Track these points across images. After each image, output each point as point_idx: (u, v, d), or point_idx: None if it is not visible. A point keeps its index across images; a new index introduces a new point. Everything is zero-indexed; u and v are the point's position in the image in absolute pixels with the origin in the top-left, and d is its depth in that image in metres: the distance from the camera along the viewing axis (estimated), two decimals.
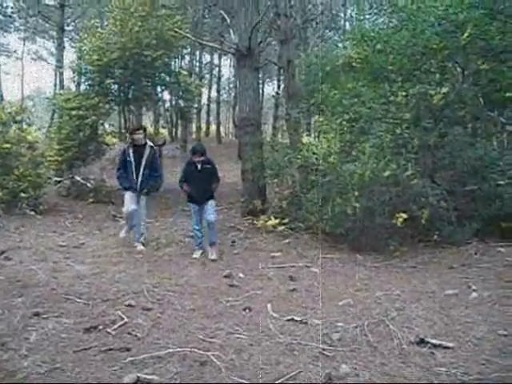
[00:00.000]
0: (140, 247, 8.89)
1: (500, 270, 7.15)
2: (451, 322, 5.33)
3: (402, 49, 9.79)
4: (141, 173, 8.81)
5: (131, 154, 8.80)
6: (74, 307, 5.78)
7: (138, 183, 8.82)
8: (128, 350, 4.61)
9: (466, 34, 8.78)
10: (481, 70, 9.18)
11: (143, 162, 8.81)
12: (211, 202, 8.66)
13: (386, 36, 10.45)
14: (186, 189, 8.64)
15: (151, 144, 9.09)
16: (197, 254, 8.60)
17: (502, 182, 8.79)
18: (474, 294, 6.19)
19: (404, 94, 9.23)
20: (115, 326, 5.16)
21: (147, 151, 8.87)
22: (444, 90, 8.82)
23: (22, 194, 12.23)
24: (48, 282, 6.71)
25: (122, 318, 5.36)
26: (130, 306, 5.86)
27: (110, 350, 4.56)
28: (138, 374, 4.07)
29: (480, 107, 9.37)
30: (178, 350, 4.59)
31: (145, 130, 9.22)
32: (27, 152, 13.31)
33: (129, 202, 8.81)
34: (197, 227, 8.75)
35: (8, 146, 12.73)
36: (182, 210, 13.03)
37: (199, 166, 8.49)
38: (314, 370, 4.24)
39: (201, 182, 8.50)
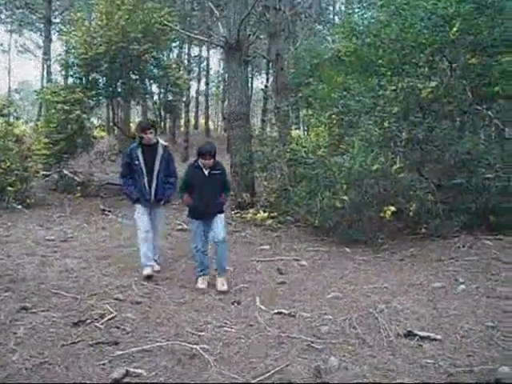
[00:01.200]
0: (156, 267, 7.21)
1: (487, 262, 7.20)
2: (439, 315, 5.36)
3: (391, 43, 9.80)
4: (154, 179, 7.02)
5: (140, 157, 6.95)
6: (62, 301, 5.76)
7: (152, 192, 7.03)
8: (116, 343, 4.60)
9: (454, 29, 8.79)
10: (469, 64, 9.21)
11: (156, 166, 7.02)
12: (220, 217, 6.76)
13: (376, 30, 10.45)
14: (188, 201, 6.75)
15: (164, 142, 7.27)
16: (203, 283, 6.65)
17: (489, 176, 8.84)
18: (462, 287, 6.23)
19: (393, 87, 9.25)
20: (103, 320, 5.15)
21: (160, 151, 7.07)
22: (432, 84, 8.85)
23: (10, 188, 12.14)
24: (36, 276, 6.68)
25: (111, 312, 5.34)
26: (118, 299, 5.85)
27: (99, 343, 4.55)
28: (127, 368, 4.07)
29: (468, 101, 9.41)
30: (167, 343, 4.59)
31: (155, 127, 7.36)
32: (14, 145, 13.22)
33: (144, 222, 7.02)
34: (202, 248, 6.75)
35: None
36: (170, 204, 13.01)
37: (207, 172, 6.61)
38: (303, 363, 4.26)
39: (208, 192, 6.61)
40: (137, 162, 6.96)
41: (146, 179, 6.98)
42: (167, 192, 7.18)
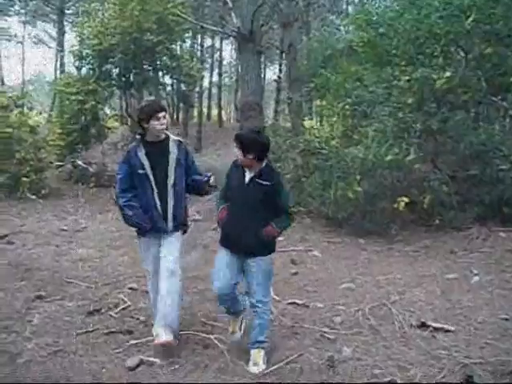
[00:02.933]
0: (168, 337, 4.28)
1: (501, 254, 7.16)
2: (452, 306, 5.35)
3: (405, 33, 9.71)
4: (170, 194, 4.49)
5: (145, 162, 4.43)
6: (76, 290, 5.82)
7: (169, 216, 4.50)
8: (130, 332, 4.64)
9: (470, 19, 8.69)
10: (484, 54, 9.10)
11: (171, 173, 4.48)
12: (259, 263, 4.18)
13: (390, 19, 10.36)
14: (222, 217, 4.32)
15: (175, 137, 4.67)
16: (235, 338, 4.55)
17: (504, 167, 8.77)
18: (476, 279, 6.21)
19: (407, 78, 9.16)
20: (118, 309, 5.20)
21: (174, 151, 4.52)
22: (447, 74, 8.75)
23: (24, 179, 12.23)
24: (50, 266, 6.74)
25: (125, 302, 5.39)
26: (132, 289, 5.89)
27: (113, 332, 4.60)
28: (141, 357, 4.10)
29: (483, 92, 9.30)
30: (181, 332, 4.61)
31: (166, 110, 4.68)
32: (29, 136, 13.28)
33: (152, 269, 4.61)
34: (226, 292, 4.25)
35: (10, 130, 12.71)
36: None
37: (248, 176, 4.17)
38: (316, 353, 4.27)
39: (245, 212, 4.16)
40: (141, 171, 4.42)
41: (156, 196, 4.46)
42: (201, 184, 4.64)
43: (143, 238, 4.58)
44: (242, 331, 4.55)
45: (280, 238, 8.78)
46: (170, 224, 4.51)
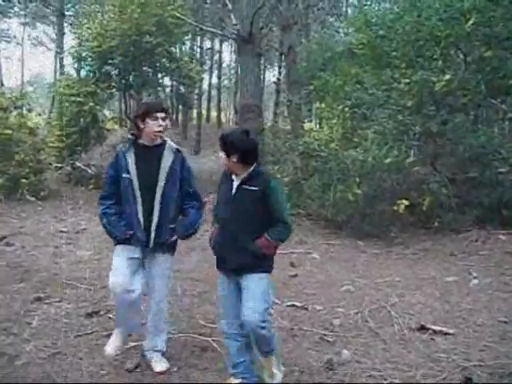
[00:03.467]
0: (160, 366, 4.03)
1: (501, 257, 7.18)
2: (452, 309, 5.35)
3: (405, 35, 9.73)
4: (157, 205, 3.94)
5: (131, 166, 3.95)
6: (75, 292, 5.80)
7: (152, 229, 3.96)
8: (129, 335, 4.62)
9: (470, 22, 8.72)
10: (484, 57, 9.13)
11: (161, 182, 3.94)
12: (253, 279, 3.58)
13: (390, 22, 10.38)
14: (211, 236, 3.86)
15: (174, 144, 4.12)
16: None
17: (503, 170, 8.80)
18: (475, 281, 6.21)
19: (407, 80, 9.19)
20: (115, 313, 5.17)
21: (168, 158, 4.00)
22: (447, 77, 8.78)
23: (23, 180, 12.22)
24: (49, 268, 6.73)
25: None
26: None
27: (112, 334, 4.58)
28: (140, 359, 4.09)
29: (482, 94, 9.32)
30: (180, 335, 4.61)
31: (167, 112, 4.12)
32: (28, 138, 13.28)
33: (120, 268, 4.00)
34: (227, 330, 3.78)
35: (9, 131, 12.70)
36: None
37: (235, 185, 3.66)
38: (315, 355, 4.26)
39: (232, 224, 3.64)
40: (125, 175, 3.94)
41: (140, 205, 3.94)
42: (189, 219, 4.09)
43: (119, 246, 4.06)
44: (281, 369, 3.82)
45: None
46: (152, 240, 3.95)
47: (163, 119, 3.95)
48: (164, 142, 4.05)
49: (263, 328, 3.51)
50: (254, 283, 3.57)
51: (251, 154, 3.59)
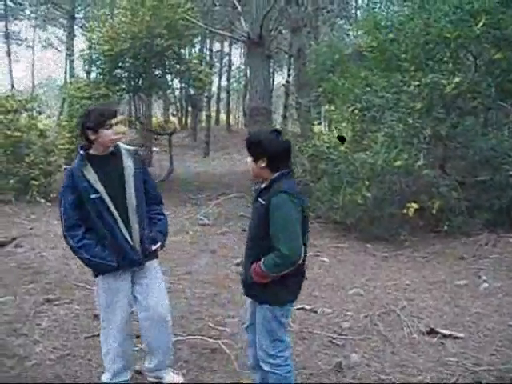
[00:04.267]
0: (176, 378, 3.86)
1: (511, 260, 7.12)
2: (461, 313, 5.32)
3: (415, 37, 9.70)
4: (135, 218, 3.58)
5: (96, 183, 3.45)
6: (84, 294, 5.82)
7: (137, 244, 3.59)
8: (138, 337, 4.63)
9: (480, 24, 8.69)
10: (494, 59, 9.09)
11: (131, 194, 3.57)
12: (260, 310, 3.23)
13: (400, 24, 10.36)
14: None
15: (127, 146, 3.75)
16: None
17: None
18: (485, 285, 6.18)
19: (416, 83, 9.16)
20: None
21: (129, 164, 3.62)
22: (456, 79, 8.75)
23: (33, 182, 12.31)
24: (59, 269, 6.76)
25: (132, 306, 5.38)
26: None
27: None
28: None
29: (493, 97, 9.29)
30: (189, 337, 4.62)
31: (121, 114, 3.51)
32: (38, 140, 13.37)
33: (121, 316, 3.66)
34: (249, 360, 3.52)
35: (19, 134, 12.80)
36: (190, 197, 13.14)
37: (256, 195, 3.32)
38: (324, 359, 4.26)
39: (248, 241, 3.34)
40: (94, 195, 3.44)
41: (121, 223, 3.52)
42: (160, 227, 3.81)
43: (107, 279, 3.59)
44: None
45: None
46: (140, 253, 3.59)
47: (118, 123, 3.52)
48: (118, 147, 3.62)
49: (270, 366, 3.19)
50: (259, 315, 3.23)
51: (281, 158, 3.15)
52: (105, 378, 3.67)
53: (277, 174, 3.13)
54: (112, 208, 3.46)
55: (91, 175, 3.44)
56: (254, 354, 3.39)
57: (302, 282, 3.37)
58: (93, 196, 3.41)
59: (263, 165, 3.13)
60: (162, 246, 3.79)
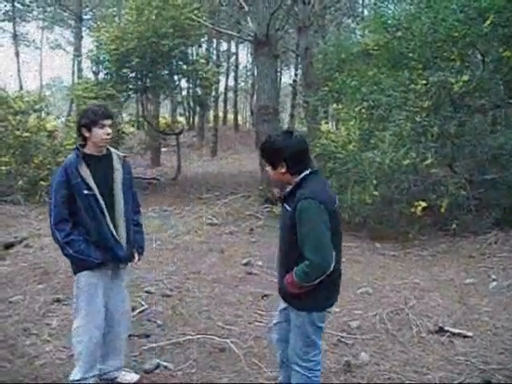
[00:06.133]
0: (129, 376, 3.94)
1: None
2: (470, 311, 5.31)
3: (422, 36, 9.67)
4: (121, 217, 3.75)
5: (89, 179, 3.61)
6: None
7: (123, 242, 3.76)
8: (148, 336, 4.66)
9: (488, 22, 8.65)
10: (502, 57, 9.05)
11: (118, 192, 3.76)
12: (294, 315, 3.18)
13: (407, 23, 10.33)
14: None
15: (121, 153, 3.98)
16: None
17: None
18: (494, 283, 6.16)
19: (424, 81, 9.13)
20: (135, 313, 5.20)
21: (118, 168, 3.82)
22: (464, 77, 8.72)
23: (42, 183, 12.33)
24: (68, 269, 6.75)
25: (142, 305, 5.41)
26: (149, 292, 5.91)
27: (130, 336, 4.59)
28: (158, 361, 4.11)
29: (501, 95, 9.26)
30: (197, 336, 4.63)
31: (113, 117, 3.95)
32: (46, 141, 13.42)
33: (98, 307, 3.69)
34: (278, 357, 3.53)
35: (27, 134, 12.84)
36: (199, 197, 13.15)
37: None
38: (333, 358, 4.26)
39: (279, 250, 3.30)
40: (87, 191, 3.58)
41: (110, 221, 3.67)
42: (141, 243, 4.04)
43: (89, 275, 3.65)
44: None
45: None
46: (125, 250, 3.75)
47: (110, 126, 3.70)
48: (109, 151, 3.82)
49: (300, 369, 3.15)
50: (296, 320, 3.17)
51: (299, 159, 3.04)
52: (76, 375, 3.66)
53: (299, 178, 3.02)
54: (102, 205, 3.60)
55: (85, 172, 3.59)
56: (280, 352, 3.40)
57: (339, 284, 3.34)
58: (85, 192, 3.56)
59: (283, 170, 3.03)
60: (139, 259, 3.97)
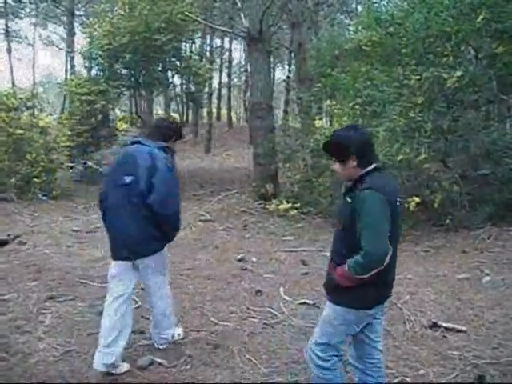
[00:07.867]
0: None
1: None
2: (464, 306, 5.33)
3: (415, 31, 9.68)
4: None
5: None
6: (88, 291, 5.84)
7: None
8: (142, 332, 4.65)
9: (480, 17, 8.66)
10: (495, 53, 9.07)
11: None
12: (327, 305, 3.22)
13: (400, 18, 10.34)
14: None
15: None
16: None
17: None
18: (487, 278, 6.18)
19: (417, 77, 9.14)
20: None
21: None
22: (457, 73, 8.72)
23: (35, 180, 12.32)
24: (62, 266, 6.77)
25: (136, 302, 5.40)
26: (143, 289, 5.89)
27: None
28: (152, 357, 4.11)
29: (494, 91, 9.27)
30: (192, 333, 4.63)
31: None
32: (39, 137, 13.38)
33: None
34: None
35: (20, 131, 12.80)
36: (193, 194, 13.15)
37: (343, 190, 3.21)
38: None
39: (333, 240, 3.28)
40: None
41: None
42: None
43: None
44: None
45: (290, 238, 8.83)
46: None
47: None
48: None
49: (313, 362, 3.17)
50: (325, 311, 3.17)
51: (368, 152, 3.02)
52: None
53: (363, 172, 2.97)
54: None
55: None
56: (352, 352, 3.36)
57: (388, 284, 3.31)
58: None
59: (354, 163, 2.97)
60: None
